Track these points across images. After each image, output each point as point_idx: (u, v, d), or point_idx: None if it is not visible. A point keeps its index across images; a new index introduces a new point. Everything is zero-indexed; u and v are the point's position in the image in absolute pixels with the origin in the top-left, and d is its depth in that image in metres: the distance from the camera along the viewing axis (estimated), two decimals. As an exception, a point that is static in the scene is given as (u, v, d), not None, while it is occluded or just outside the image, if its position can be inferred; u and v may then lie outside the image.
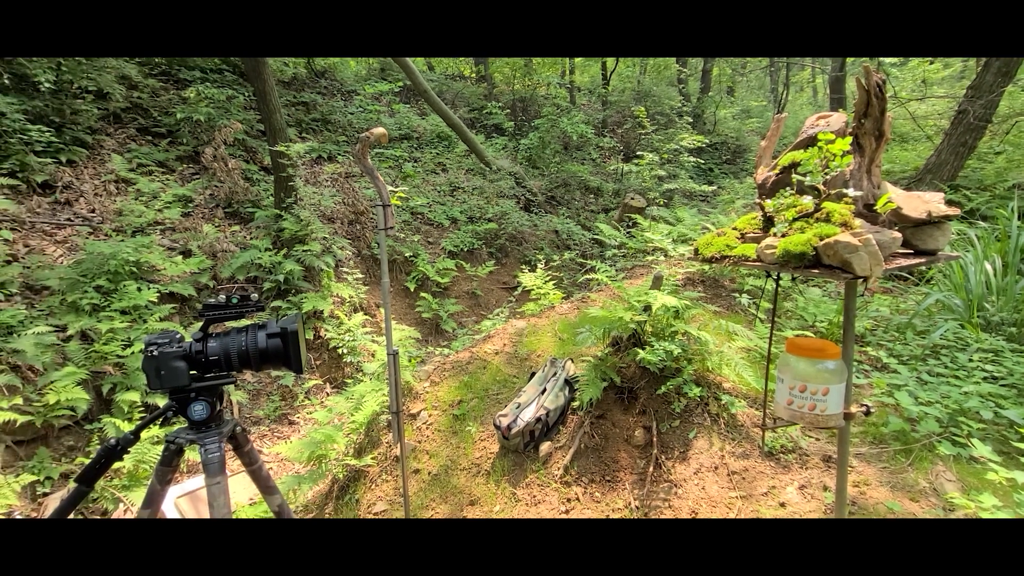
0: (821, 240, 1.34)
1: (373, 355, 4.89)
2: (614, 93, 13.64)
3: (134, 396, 3.91)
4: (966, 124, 5.84)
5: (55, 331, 3.94)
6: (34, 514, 3.40)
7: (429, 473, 3.14)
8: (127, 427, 3.70)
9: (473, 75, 13.36)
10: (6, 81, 5.11)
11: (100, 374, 3.99)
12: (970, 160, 6.32)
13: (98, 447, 2.45)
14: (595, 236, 7.68)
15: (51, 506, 3.43)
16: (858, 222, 1.40)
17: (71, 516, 1.61)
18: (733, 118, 14.27)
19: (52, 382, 3.71)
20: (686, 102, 12.15)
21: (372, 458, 3.32)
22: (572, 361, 3.42)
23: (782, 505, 2.37)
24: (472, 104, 11.67)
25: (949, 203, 1.47)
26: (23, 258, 4.39)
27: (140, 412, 3.95)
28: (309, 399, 4.94)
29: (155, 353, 1.58)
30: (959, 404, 2.57)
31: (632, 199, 7.58)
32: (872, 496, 2.30)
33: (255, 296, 1.69)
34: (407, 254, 6.78)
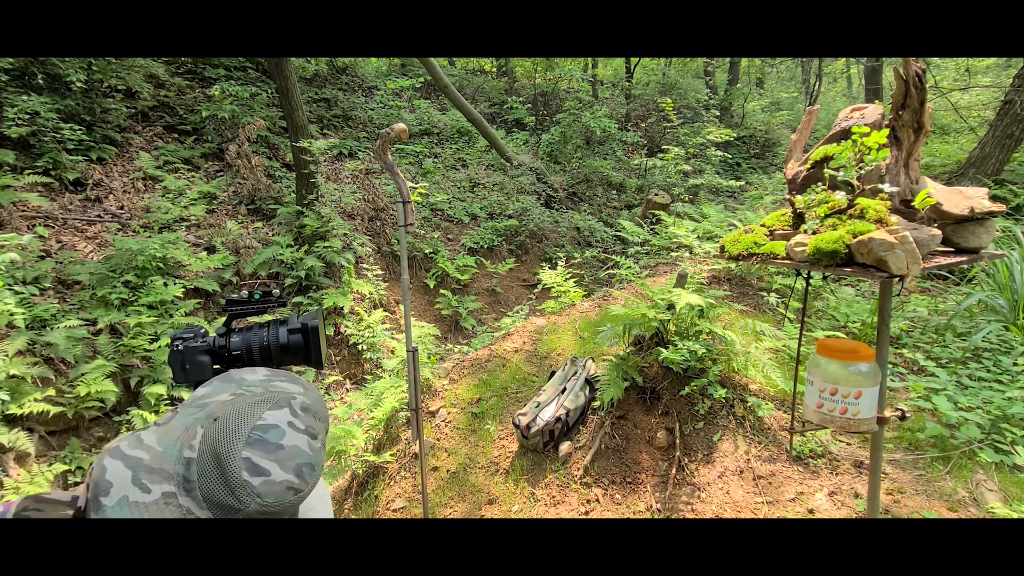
0: (854, 237, 1.28)
1: (392, 352, 4.91)
2: (638, 86, 13.44)
3: (160, 389, 3.99)
4: (1013, 115, 5.57)
5: (86, 325, 4.04)
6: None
7: (448, 471, 3.13)
8: (153, 419, 3.78)
9: (494, 70, 13.31)
10: (40, 81, 5.26)
11: (128, 367, 4.08)
12: (1016, 153, 6.03)
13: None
14: (617, 233, 7.58)
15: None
16: (894, 219, 1.33)
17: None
18: (762, 111, 13.93)
19: (83, 374, 3.81)
20: (713, 95, 11.88)
21: (391, 455, 3.32)
22: (593, 360, 3.37)
23: (810, 511, 2.29)
24: (493, 99, 11.62)
25: (993, 199, 1.39)
26: (56, 254, 4.52)
27: (166, 405, 4.03)
28: (329, 395, 4.98)
29: (180, 348, 1.61)
30: (1002, 410, 2.44)
31: (656, 195, 7.44)
32: (907, 504, 2.21)
33: (277, 292, 1.71)
34: (427, 251, 6.79)
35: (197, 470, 0.59)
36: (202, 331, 1.66)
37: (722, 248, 1.69)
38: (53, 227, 4.79)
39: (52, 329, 3.86)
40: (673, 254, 5.18)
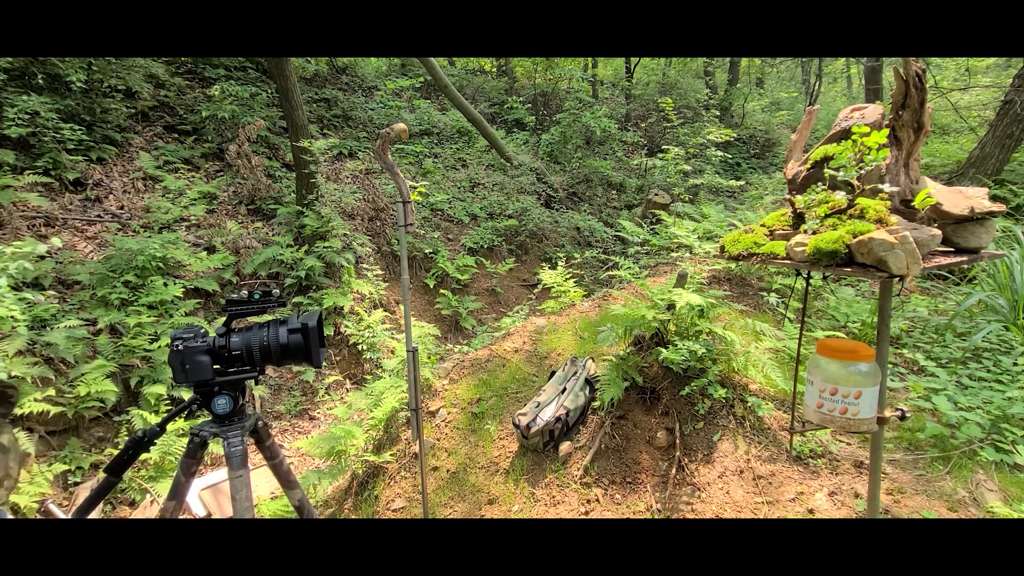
0: (854, 237, 1.28)
1: (392, 352, 4.91)
2: (638, 86, 13.44)
3: (160, 389, 3.99)
4: (1013, 115, 5.57)
5: (86, 325, 4.04)
6: (66, 503, 3.50)
7: (447, 471, 3.13)
8: (154, 419, 3.78)
9: (494, 70, 13.31)
10: (40, 81, 5.26)
11: (128, 367, 4.08)
12: (1016, 153, 6.03)
13: (126, 439, 2.50)
14: (618, 233, 7.58)
15: (82, 495, 3.53)
16: (894, 219, 1.33)
17: (100, 505, 1.65)
18: (762, 111, 13.93)
19: (83, 374, 3.81)
20: (713, 95, 11.88)
21: (391, 455, 3.32)
22: (593, 360, 3.37)
23: (810, 512, 2.28)
24: (493, 99, 11.62)
25: (994, 199, 1.39)
26: (56, 253, 4.52)
27: (166, 405, 4.03)
28: (329, 395, 4.98)
29: (180, 348, 1.62)
30: (1002, 410, 2.44)
31: (656, 195, 7.45)
32: (907, 504, 2.20)
33: (277, 292, 1.71)
34: (427, 251, 6.79)
35: None
36: (202, 331, 1.66)
37: (722, 248, 1.69)
38: (53, 227, 4.79)
39: (52, 329, 3.86)
40: (673, 254, 5.18)
